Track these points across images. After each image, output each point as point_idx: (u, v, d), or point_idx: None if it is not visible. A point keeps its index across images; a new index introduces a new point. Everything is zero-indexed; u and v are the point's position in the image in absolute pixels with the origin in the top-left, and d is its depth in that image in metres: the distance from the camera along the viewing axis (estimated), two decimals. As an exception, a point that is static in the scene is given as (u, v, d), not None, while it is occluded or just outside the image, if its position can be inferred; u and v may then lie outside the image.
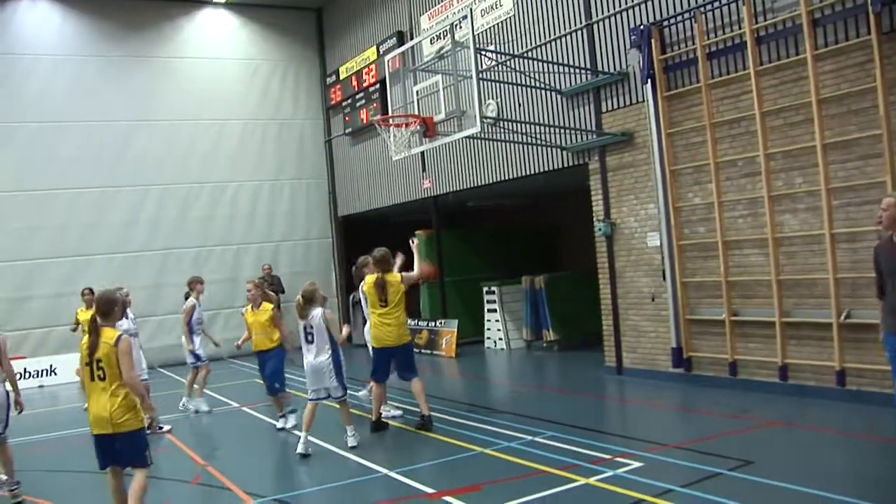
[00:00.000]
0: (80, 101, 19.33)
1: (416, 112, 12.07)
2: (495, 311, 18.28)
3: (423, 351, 18.08)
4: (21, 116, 18.71)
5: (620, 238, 12.75)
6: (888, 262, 6.76)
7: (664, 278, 11.84)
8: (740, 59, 10.59)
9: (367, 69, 19.97)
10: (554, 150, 13.69)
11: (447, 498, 7.16)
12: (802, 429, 8.83)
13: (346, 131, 21.13)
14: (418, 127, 11.47)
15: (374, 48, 19.48)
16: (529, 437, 9.19)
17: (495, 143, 14.60)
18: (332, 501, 7.89)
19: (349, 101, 20.83)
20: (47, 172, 18.87)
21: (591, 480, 7.34)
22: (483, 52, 11.45)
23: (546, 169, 14.18)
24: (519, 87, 13.98)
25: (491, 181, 15.86)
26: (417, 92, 12.23)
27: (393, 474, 8.09)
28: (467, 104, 11.25)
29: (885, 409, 8.58)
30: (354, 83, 20.50)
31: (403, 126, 11.54)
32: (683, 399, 11.00)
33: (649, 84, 11.61)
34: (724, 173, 10.92)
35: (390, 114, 12.28)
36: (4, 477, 8.19)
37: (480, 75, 11.52)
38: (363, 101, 20.15)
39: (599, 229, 12.94)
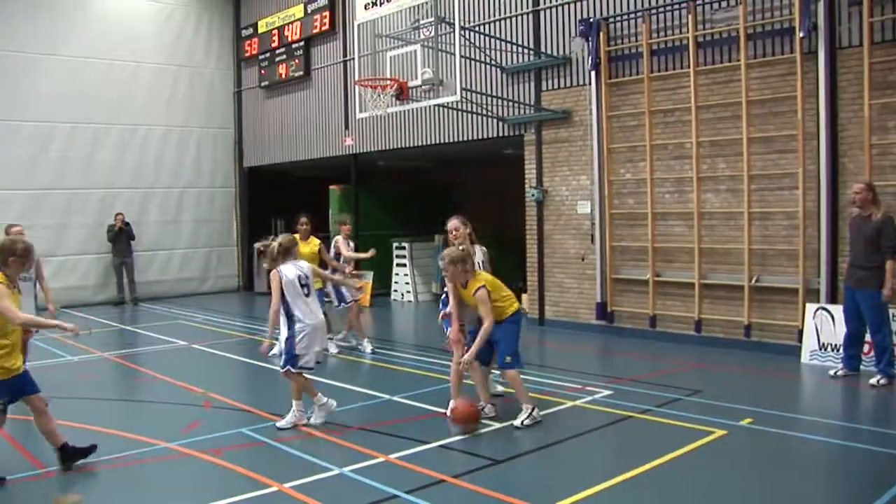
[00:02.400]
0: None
1: (388, 74, 13.08)
2: (405, 265, 19.64)
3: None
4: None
5: (551, 204, 14.42)
6: (854, 231, 9.62)
7: (592, 241, 13.60)
8: (679, 59, 12.40)
9: (289, 25, 20.66)
10: (490, 119, 15.12)
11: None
12: (723, 368, 10.79)
13: (262, 84, 21.75)
14: (391, 90, 12.54)
15: (302, 6, 20.20)
16: (496, 372, 10.63)
17: (429, 108, 15.72)
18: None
19: (267, 54, 21.46)
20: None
21: (578, 403, 8.92)
22: (443, 23, 12.55)
23: (481, 137, 15.65)
24: (463, 60, 15.22)
25: (420, 144, 17.14)
26: (392, 57, 13.18)
27: (403, 400, 9.25)
28: (444, 74, 12.46)
29: (782, 355, 11.04)
30: (275, 38, 21.15)
31: (380, 88, 12.59)
32: (612, 345, 12.81)
33: (594, 71, 13.24)
34: (656, 154, 12.75)
35: (362, 77, 13.19)
36: None
37: (423, 43, 12.84)
38: (284, 57, 20.87)
39: (532, 195, 14.55)
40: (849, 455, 7.06)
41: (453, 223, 9.11)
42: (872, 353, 9.76)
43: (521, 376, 8.24)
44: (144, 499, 6.12)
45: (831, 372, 10.01)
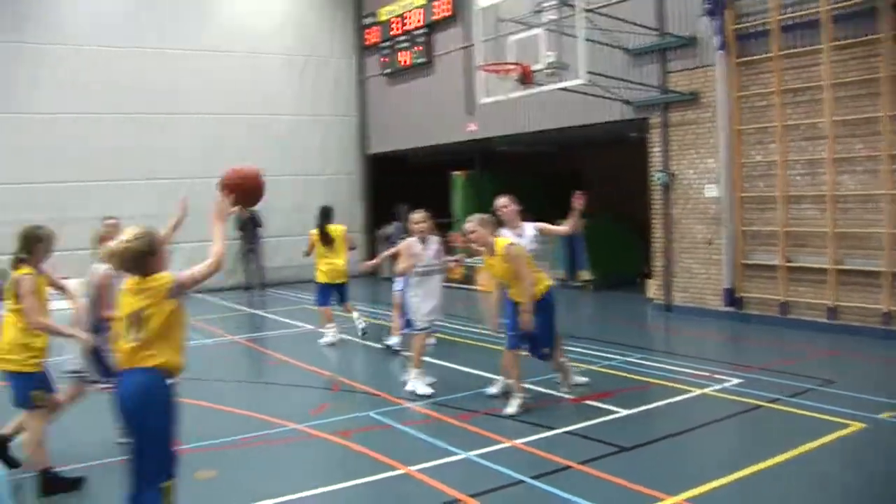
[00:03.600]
0: (123, 30, 19.83)
1: (511, 59, 13.03)
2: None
3: (456, 285, 19.37)
4: (64, 39, 19.12)
5: (678, 188, 14.12)
6: None
7: (720, 226, 13.26)
8: (812, 35, 11.88)
9: (410, 13, 20.84)
10: (613, 102, 14.88)
11: (589, 402, 8.46)
12: (859, 357, 10.37)
13: (384, 72, 22.04)
14: (515, 75, 12.50)
15: (423, -6, 20.37)
16: (621, 357, 10.58)
17: (553, 92, 15.56)
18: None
19: (389, 42, 21.72)
20: (93, 97, 19.33)
21: (707, 391, 8.74)
22: (566, 5, 12.45)
23: (606, 121, 15.44)
24: (587, 42, 15.03)
25: (543, 129, 17.05)
26: (515, 42, 13.10)
27: (528, 385, 9.20)
28: (568, 57, 12.32)
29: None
30: (397, 26, 21.38)
31: (503, 72, 12.57)
32: (741, 332, 12.47)
33: (721, 51, 12.86)
34: (788, 135, 12.31)
35: (485, 61, 13.19)
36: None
37: (547, 27, 12.73)
38: (406, 44, 21.08)
39: (658, 179, 14.29)
40: None
41: (503, 200, 9.06)
42: None
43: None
44: (274, 479, 6.34)
45: None
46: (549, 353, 8.34)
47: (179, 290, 4.64)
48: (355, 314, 12.68)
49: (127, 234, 4.63)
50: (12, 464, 6.34)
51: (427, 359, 9.72)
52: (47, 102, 18.87)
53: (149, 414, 4.48)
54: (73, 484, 6.20)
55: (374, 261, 11.57)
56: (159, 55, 20.15)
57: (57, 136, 18.91)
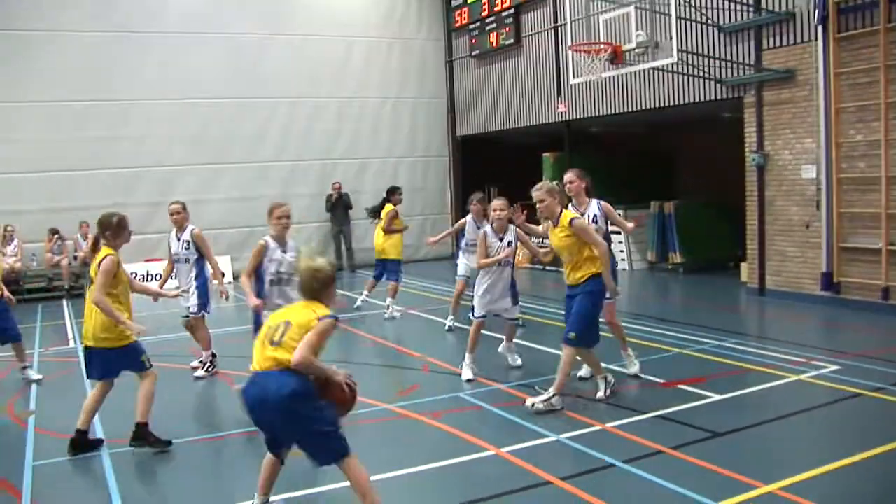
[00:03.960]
0: (217, 16, 20.16)
1: (601, 38, 12.88)
2: (618, 232, 19.32)
3: (548, 268, 19.29)
4: (163, 27, 19.52)
5: (773, 169, 13.75)
6: None
7: (818, 208, 12.87)
8: (919, 8, 11.41)
9: (500, -6, 20.77)
10: (706, 81, 14.56)
11: (681, 386, 8.33)
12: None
13: (473, 53, 22.00)
14: (606, 54, 12.35)
15: (512, -25, 20.24)
16: (716, 342, 10.38)
17: (644, 71, 15.32)
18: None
19: (477, 23, 21.67)
20: (184, 83, 19.71)
21: (803, 377, 8.51)
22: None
23: (697, 100, 15.12)
24: (679, 20, 14.72)
25: (633, 109, 16.80)
26: (605, 21, 12.95)
27: (614, 367, 9.06)
28: (659, 36, 12.13)
29: None
30: (485, 6, 21.31)
31: (593, 52, 12.43)
32: (839, 318, 12.10)
33: (821, 26, 12.44)
34: (892, 113, 11.84)
35: (574, 42, 13.09)
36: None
37: (637, 5, 12.50)
38: (494, 25, 21.00)
39: (753, 160, 13.93)
40: None
41: (569, 175, 8.63)
42: None
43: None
44: (364, 459, 6.36)
45: None
46: (574, 339, 7.54)
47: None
48: (389, 300, 13.19)
49: (320, 262, 4.98)
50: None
51: (517, 341, 9.71)
52: (157, 89, 19.40)
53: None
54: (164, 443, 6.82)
55: (434, 238, 12.28)
56: (249, 41, 20.45)
57: (152, 123, 19.40)
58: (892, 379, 8.28)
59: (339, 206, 20.77)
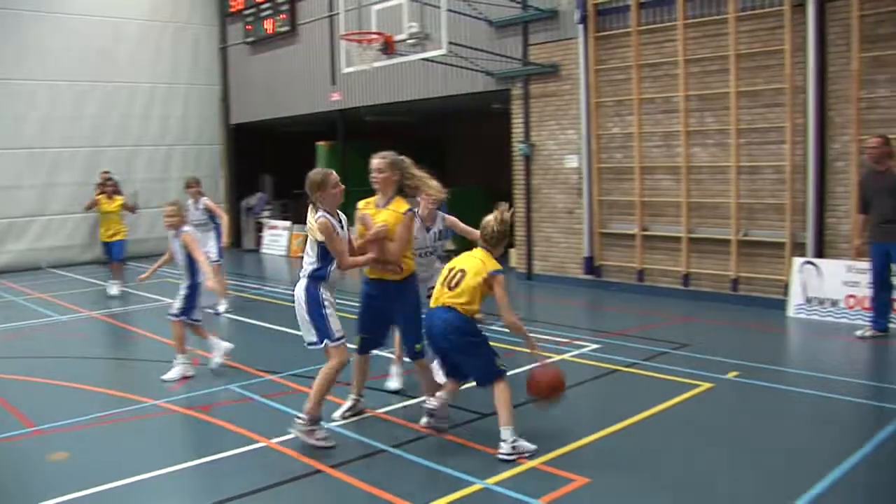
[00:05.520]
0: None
1: (374, 29, 12.93)
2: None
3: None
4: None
5: (539, 158, 14.39)
6: (873, 187, 9.21)
7: (580, 196, 13.60)
8: (668, 12, 12.29)
9: (274, -20, 20.44)
10: (477, 73, 15.00)
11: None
12: (710, 322, 10.87)
13: (247, 40, 21.53)
14: (377, 44, 12.42)
15: (287, -39, 19.97)
16: (486, 326, 10.68)
17: (416, 62, 15.53)
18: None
19: (253, 9, 21.22)
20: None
21: (566, 357, 8.97)
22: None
23: (467, 91, 15.55)
24: (449, 13, 15.02)
25: (407, 99, 17.03)
26: (378, 11, 13.00)
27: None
28: (431, 28, 12.34)
29: (768, 309, 11.15)
30: (260, -7, 20.92)
31: (365, 42, 12.47)
32: (600, 299, 12.87)
33: (582, 24, 13.13)
34: (644, 108, 12.71)
35: (348, 31, 13.08)
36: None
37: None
38: (270, 12, 20.64)
39: (520, 150, 14.52)
40: (832, 406, 7.11)
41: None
42: None
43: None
44: (134, 456, 6.15)
45: (858, 333, 9.66)
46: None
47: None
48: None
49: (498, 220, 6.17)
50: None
51: (289, 330, 9.63)
52: None
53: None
54: None
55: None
56: (6, 15, 18.92)
57: None
58: (645, 354, 8.90)
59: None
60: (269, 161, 22.35)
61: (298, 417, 6.09)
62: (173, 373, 8.37)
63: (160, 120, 21.75)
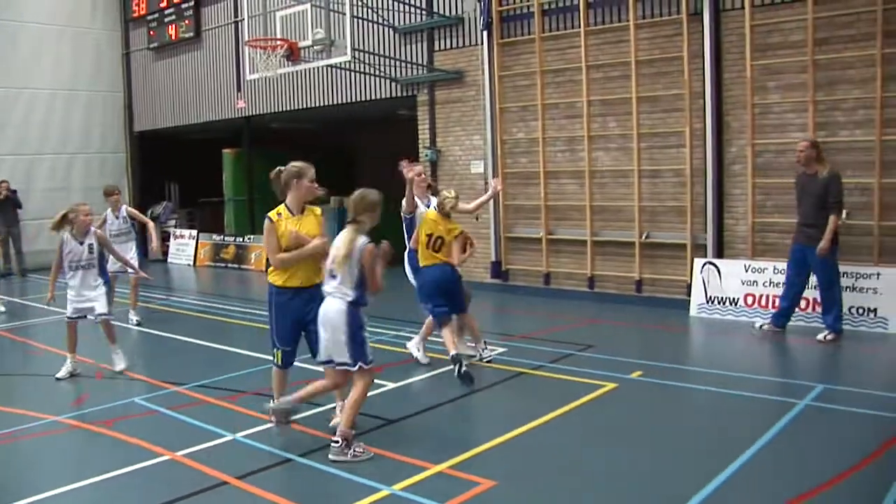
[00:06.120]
0: None
1: (279, 35, 12.83)
2: (298, 229, 19.38)
3: (229, 265, 19.03)
4: None
5: (445, 164, 14.46)
6: (801, 189, 9.43)
7: (486, 201, 13.68)
8: (570, 19, 12.52)
9: (178, -15, 20.10)
10: (382, 80, 15.02)
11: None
12: (614, 323, 11.08)
13: (151, 46, 21.10)
14: (282, 51, 12.32)
15: (191, -35, 19.66)
16: (394, 332, 10.72)
17: (321, 69, 15.53)
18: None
19: (156, 15, 20.82)
20: None
21: (473, 361, 8.96)
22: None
23: (373, 98, 15.55)
24: (354, 19, 15.01)
25: (311, 105, 16.95)
26: (282, 17, 12.91)
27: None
28: (335, 34, 12.30)
29: (671, 309, 11.45)
30: (164, -2, 20.54)
31: (270, 48, 12.35)
32: (507, 303, 12.99)
33: (486, 31, 13.25)
34: (548, 114, 12.90)
35: (252, 37, 12.95)
36: None
37: (314, 3, 12.70)
38: (174, 17, 20.28)
39: (426, 155, 14.58)
40: (733, 401, 7.31)
41: (418, 168, 9.03)
42: (819, 310, 9.72)
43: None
44: (33, 475, 5.95)
45: (757, 324, 10.09)
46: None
47: None
48: None
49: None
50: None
51: (195, 341, 9.50)
52: None
53: None
54: None
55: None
56: None
57: None
58: (551, 357, 9.02)
59: (6, 205, 18.97)
60: (175, 169, 21.93)
61: (334, 442, 5.96)
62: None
63: (61, 127, 21.13)
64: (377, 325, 11.01)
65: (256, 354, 9.34)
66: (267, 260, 6.99)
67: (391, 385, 8.06)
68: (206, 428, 6.80)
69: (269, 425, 6.71)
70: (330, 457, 5.92)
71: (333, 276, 6.04)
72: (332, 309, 6.01)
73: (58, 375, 8.76)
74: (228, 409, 7.41)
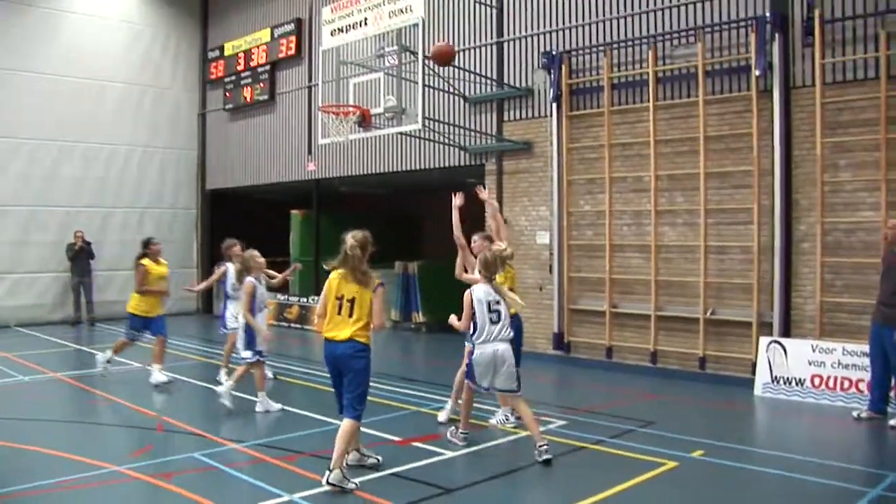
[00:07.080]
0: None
1: (352, 101, 13.15)
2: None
3: (292, 325, 19.22)
4: None
5: (511, 234, 14.46)
6: (888, 267, 9.25)
7: (551, 272, 13.70)
8: (639, 93, 12.60)
9: (256, 49, 20.71)
10: (451, 148, 15.23)
11: (417, 444, 8.48)
12: (676, 400, 10.88)
13: (227, 107, 21.73)
14: (354, 117, 12.60)
15: (269, 30, 20.30)
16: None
17: (391, 135, 15.81)
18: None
19: (233, 77, 21.46)
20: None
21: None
22: (407, 52, 12.80)
23: (442, 165, 15.74)
24: (426, 88, 15.33)
25: (382, 171, 17.22)
26: (356, 85, 13.24)
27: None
28: (407, 103, 12.57)
29: (735, 387, 11.23)
30: (241, 61, 21.17)
31: (342, 114, 12.64)
32: (569, 375, 12.87)
33: (555, 103, 13.40)
34: (615, 187, 12.91)
35: (326, 103, 13.27)
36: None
37: (387, 71, 13.00)
38: (249, 80, 20.88)
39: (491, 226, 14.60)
40: (798, 486, 7.13)
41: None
42: (894, 395, 9.42)
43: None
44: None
45: (854, 413, 9.61)
46: None
47: None
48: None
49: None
50: None
51: (255, 398, 9.61)
52: None
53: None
54: None
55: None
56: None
57: None
58: (611, 432, 8.88)
59: (81, 256, 19.62)
60: (244, 227, 22.32)
61: (460, 431, 8.28)
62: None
63: (136, 182, 21.77)
64: (436, 392, 11.03)
65: (315, 416, 9.40)
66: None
67: (451, 454, 8.02)
68: (264, 487, 6.84)
69: (325, 488, 6.72)
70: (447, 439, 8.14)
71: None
72: (500, 348, 7.97)
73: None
74: (286, 469, 7.44)
